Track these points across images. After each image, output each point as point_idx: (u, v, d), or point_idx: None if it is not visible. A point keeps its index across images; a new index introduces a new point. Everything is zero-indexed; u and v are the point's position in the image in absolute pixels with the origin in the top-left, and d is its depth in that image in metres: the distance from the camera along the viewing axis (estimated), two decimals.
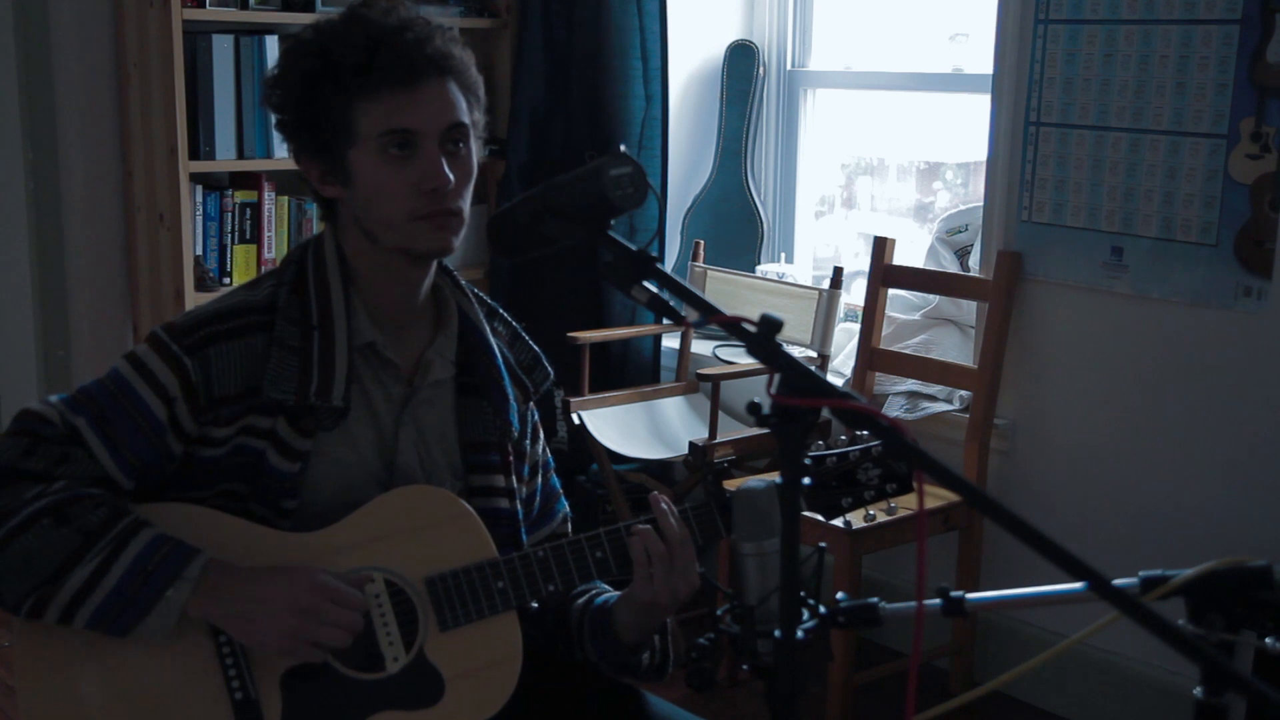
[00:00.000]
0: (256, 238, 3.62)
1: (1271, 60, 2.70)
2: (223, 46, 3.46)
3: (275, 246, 3.65)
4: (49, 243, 3.64)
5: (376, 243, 1.64)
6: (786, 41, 4.07)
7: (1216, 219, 2.80)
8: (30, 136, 3.59)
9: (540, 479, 1.83)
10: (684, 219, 4.18)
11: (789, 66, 4.08)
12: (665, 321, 3.72)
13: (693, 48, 4.10)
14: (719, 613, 1.44)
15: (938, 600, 1.39)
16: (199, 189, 3.52)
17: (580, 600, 1.75)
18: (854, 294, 3.73)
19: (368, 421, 1.66)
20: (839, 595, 1.44)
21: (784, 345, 1.19)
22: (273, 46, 3.50)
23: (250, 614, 1.53)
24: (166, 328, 1.61)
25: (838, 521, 2.38)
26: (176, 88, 3.36)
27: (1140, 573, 1.29)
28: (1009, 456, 3.22)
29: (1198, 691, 1.21)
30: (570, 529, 1.86)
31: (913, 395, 3.37)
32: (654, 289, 1.35)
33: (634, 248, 1.34)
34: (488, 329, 1.75)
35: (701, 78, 4.15)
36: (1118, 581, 1.18)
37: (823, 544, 1.48)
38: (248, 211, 3.60)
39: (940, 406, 3.31)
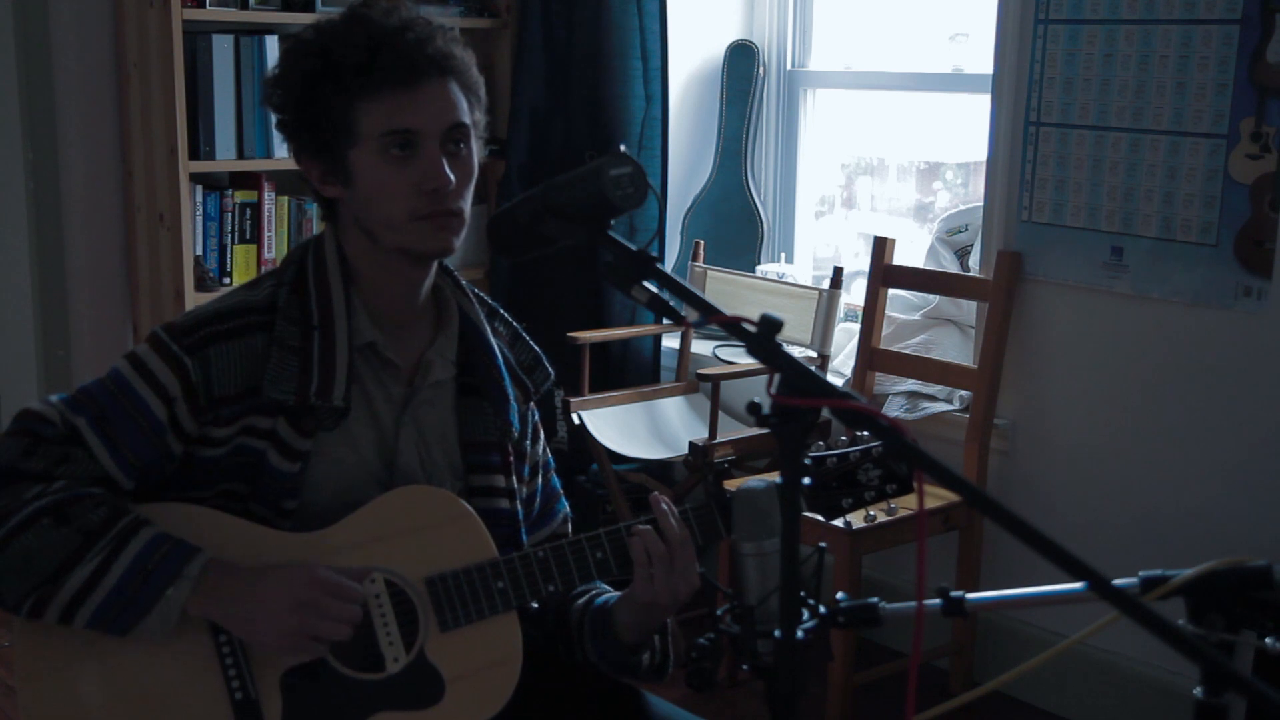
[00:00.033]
0: (256, 238, 3.62)
1: (1271, 60, 2.70)
2: (223, 46, 3.46)
3: (275, 246, 3.64)
4: (49, 243, 3.64)
5: (377, 243, 1.64)
6: (786, 41, 4.07)
7: (1216, 219, 2.80)
8: (30, 136, 3.59)
9: (540, 479, 1.83)
10: (684, 219, 4.18)
11: (789, 66, 4.08)
12: (665, 321, 3.72)
13: (693, 48, 4.10)
14: (719, 613, 1.44)
15: (938, 600, 1.39)
16: (199, 189, 3.51)
17: (580, 600, 1.75)
18: (854, 294, 3.73)
19: (368, 422, 1.66)
20: (839, 595, 1.44)
21: (784, 345, 1.19)
22: (273, 46, 3.50)
23: (251, 613, 1.53)
24: (167, 328, 1.61)
25: (838, 521, 2.37)
26: (176, 88, 3.36)
27: (1140, 573, 1.30)
28: (1009, 456, 3.22)
29: (1198, 691, 1.21)
30: (570, 529, 1.86)
31: (913, 395, 3.36)
32: (654, 289, 1.35)
33: (634, 248, 1.34)
34: (488, 329, 1.75)
35: (701, 78, 4.15)
36: (1118, 581, 1.18)
37: (823, 544, 1.48)
38: (248, 211, 3.60)
39: (940, 406, 3.31)
